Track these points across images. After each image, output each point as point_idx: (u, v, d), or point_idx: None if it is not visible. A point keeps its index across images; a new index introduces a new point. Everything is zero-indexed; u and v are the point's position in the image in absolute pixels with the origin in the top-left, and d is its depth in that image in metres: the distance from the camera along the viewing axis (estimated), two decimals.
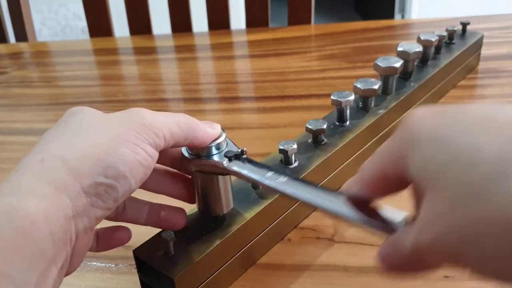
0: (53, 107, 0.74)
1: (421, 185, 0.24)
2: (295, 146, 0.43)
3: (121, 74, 0.86)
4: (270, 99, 0.69)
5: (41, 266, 0.24)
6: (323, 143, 0.47)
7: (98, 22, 1.02)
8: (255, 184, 0.41)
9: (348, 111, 0.49)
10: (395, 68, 0.52)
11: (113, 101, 0.75)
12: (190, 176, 0.37)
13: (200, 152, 0.34)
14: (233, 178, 0.37)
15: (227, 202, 0.38)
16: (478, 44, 0.70)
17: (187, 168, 0.36)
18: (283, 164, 0.44)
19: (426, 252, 0.23)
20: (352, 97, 0.48)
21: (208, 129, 0.34)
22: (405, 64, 0.56)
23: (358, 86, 0.50)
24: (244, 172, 0.34)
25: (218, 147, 0.35)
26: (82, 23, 2.20)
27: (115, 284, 0.41)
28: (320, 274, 0.41)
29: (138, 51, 0.94)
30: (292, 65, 0.79)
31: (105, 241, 0.35)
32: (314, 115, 0.49)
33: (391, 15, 2.61)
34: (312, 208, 0.29)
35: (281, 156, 0.44)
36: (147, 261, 0.36)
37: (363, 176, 0.28)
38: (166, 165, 0.36)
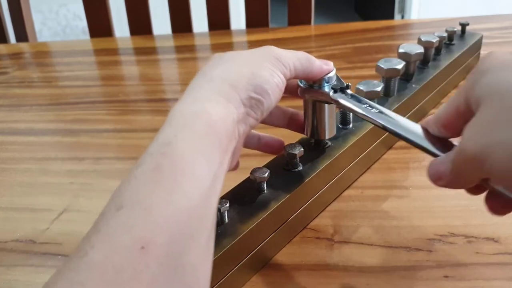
0: (54, 107, 0.74)
1: (478, 103, 0.27)
2: (302, 149, 0.43)
3: (122, 74, 0.86)
4: None
5: (220, 152, 0.31)
6: (326, 146, 0.47)
7: (98, 22, 1.03)
8: (261, 187, 0.42)
9: (351, 114, 0.49)
10: (397, 70, 0.52)
11: (114, 101, 0.75)
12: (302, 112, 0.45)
13: (313, 83, 0.41)
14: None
15: (330, 128, 0.45)
16: (478, 45, 0.70)
17: (301, 96, 0.43)
18: (286, 168, 0.44)
19: (461, 157, 0.28)
20: None
21: (323, 66, 0.41)
22: (406, 66, 0.56)
23: (361, 88, 0.50)
24: (344, 102, 0.40)
25: (328, 81, 0.41)
26: (83, 23, 2.20)
27: None
28: (320, 274, 0.41)
29: (138, 51, 0.95)
30: None
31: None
32: None
33: (391, 16, 2.61)
34: (395, 136, 0.37)
35: (285, 159, 0.44)
36: None
37: (438, 116, 0.33)
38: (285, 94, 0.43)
